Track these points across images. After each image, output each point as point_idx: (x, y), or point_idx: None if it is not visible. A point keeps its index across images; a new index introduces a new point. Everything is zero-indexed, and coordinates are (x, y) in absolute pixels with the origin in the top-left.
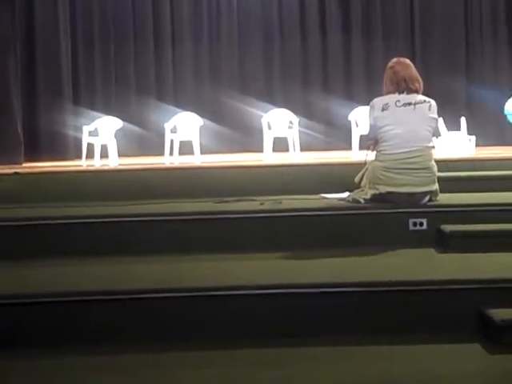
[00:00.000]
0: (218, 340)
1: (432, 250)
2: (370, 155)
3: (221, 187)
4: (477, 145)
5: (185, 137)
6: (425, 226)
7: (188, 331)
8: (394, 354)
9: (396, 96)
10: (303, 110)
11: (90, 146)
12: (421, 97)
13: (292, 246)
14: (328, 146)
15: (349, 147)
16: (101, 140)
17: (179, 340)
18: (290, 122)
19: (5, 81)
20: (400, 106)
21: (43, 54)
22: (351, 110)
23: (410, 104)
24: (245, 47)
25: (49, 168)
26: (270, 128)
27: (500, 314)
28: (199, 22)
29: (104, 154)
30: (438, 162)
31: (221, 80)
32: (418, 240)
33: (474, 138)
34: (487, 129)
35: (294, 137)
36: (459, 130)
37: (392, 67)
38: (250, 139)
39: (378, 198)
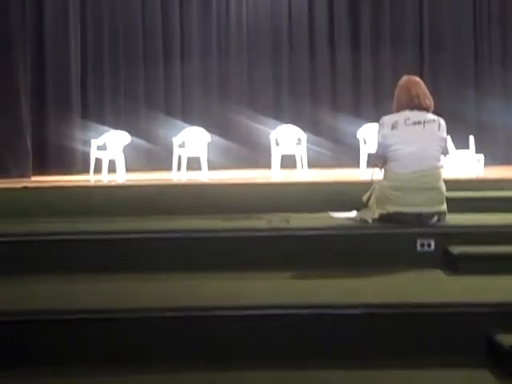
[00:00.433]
0: (223, 361)
1: (440, 272)
2: (376, 173)
3: (228, 204)
4: (485, 164)
5: (193, 153)
6: (432, 247)
7: (193, 351)
8: (401, 379)
9: (406, 113)
10: (311, 126)
11: (98, 161)
12: (430, 115)
13: (299, 264)
14: (336, 163)
15: (356, 164)
16: (109, 154)
17: (183, 360)
18: (298, 139)
19: (15, 95)
20: (409, 125)
21: (53, 68)
22: (359, 127)
23: (419, 123)
24: (253, 63)
25: (57, 183)
26: (277, 144)
27: (509, 339)
28: (208, 39)
29: (112, 168)
30: (446, 181)
31: (229, 96)
32: (426, 261)
33: (482, 156)
34: (496, 147)
35: (301, 154)
36: (467, 148)
37: (404, 84)
38: (257, 155)
39: (386, 218)
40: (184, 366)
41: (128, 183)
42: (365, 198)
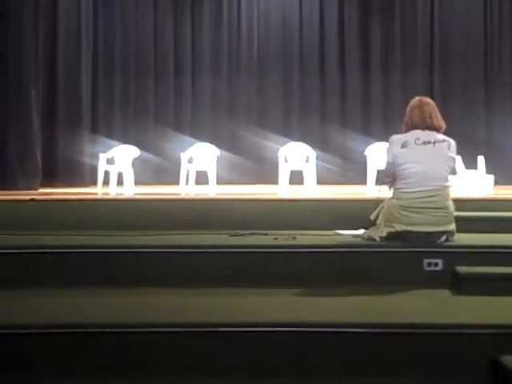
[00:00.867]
0: (228, 378)
1: (446, 292)
2: (382, 191)
3: (235, 220)
4: (495, 183)
5: (201, 167)
6: (440, 267)
7: (197, 367)
8: None
9: (417, 133)
10: (320, 143)
11: (107, 174)
12: (440, 136)
13: (305, 282)
14: (344, 181)
15: (364, 182)
16: (117, 168)
17: (189, 374)
18: (307, 157)
19: (26, 108)
20: (419, 144)
21: (64, 83)
22: (368, 146)
23: (429, 142)
24: (263, 82)
25: (64, 195)
26: (286, 161)
27: None
28: (219, 56)
29: (120, 182)
30: (454, 200)
31: (239, 113)
32: (433, 281)
33: (492, 177)
34: (506, 168)
35: (310, 171)
36: (477, 168)
37: (417, 104)
38: (265, 171)
39: (394, 237)
40: (190, 382)
41: (136, 197)
42: (373, 216)
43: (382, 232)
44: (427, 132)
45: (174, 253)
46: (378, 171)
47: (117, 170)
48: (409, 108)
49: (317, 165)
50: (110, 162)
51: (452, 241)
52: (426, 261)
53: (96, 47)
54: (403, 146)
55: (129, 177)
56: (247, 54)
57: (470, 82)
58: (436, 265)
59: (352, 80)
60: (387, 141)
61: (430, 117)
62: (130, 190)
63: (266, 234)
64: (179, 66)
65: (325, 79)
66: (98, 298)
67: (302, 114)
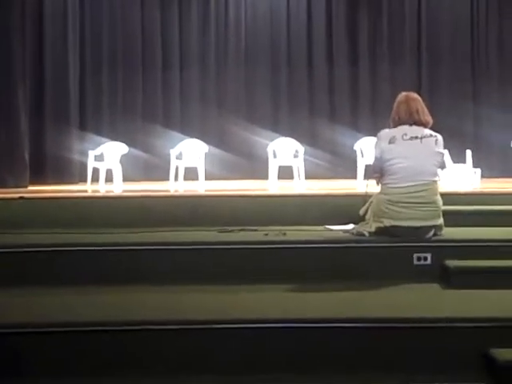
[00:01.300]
0: (222, 374)
1: (436, 286)
2: (370, 186)
3: (225, 216)
4: (482, 177)
5: (190, 163)
6: (429, 261)
7: (191, 364)
8: None
9: (404, 128)
10: (309, 139)
11: (96, 171)
12: (427, 131)
13: (295, 278)
14: (333, 175)
15: (354, 176)
16: (106, 165)
17: (182, 372)
18: (296, 151)
19: (13, 105)
20: (407, 140)
21: (51, 80)
22: (357, 140)
23: (416, 138)
24: (252, 76)
25: (53, 193)
26: (275, 156)
27: (504, 354)
28: (206, 51)
29: (109, 178)
30: (442, 195)
31: (227, 108)
32: (422, 275)
33: (479, 170)
34: (493, 161)
35: (299, 166)
36: (465, 162)
37: (404, 100)
38: (254, 166)
39: (383, 232)
40: (185, 379)
41: (125, 194)
42: (362, 211)
43: (371, 227)
44: (414, 127)
45: (164, 250)
46: (367, 166)
47: (105, 166)
48: (396, 104)
49: (306, 160)
50: (99, 158)
51: (440, 235)
52: (415, 255)
53: (83, 44)
54: (391, 141)
55: (117, 174)
56: (235, 47)
57: (457, 76)
58: (425, 259)
59: (340, 73)
60: (376, 135)
61: (417, 112)
62: (119, 187)
63: (256, 230)
64: (167, 60)
65: (313, 73)
66: (89, 296)
67: (291, 109)
